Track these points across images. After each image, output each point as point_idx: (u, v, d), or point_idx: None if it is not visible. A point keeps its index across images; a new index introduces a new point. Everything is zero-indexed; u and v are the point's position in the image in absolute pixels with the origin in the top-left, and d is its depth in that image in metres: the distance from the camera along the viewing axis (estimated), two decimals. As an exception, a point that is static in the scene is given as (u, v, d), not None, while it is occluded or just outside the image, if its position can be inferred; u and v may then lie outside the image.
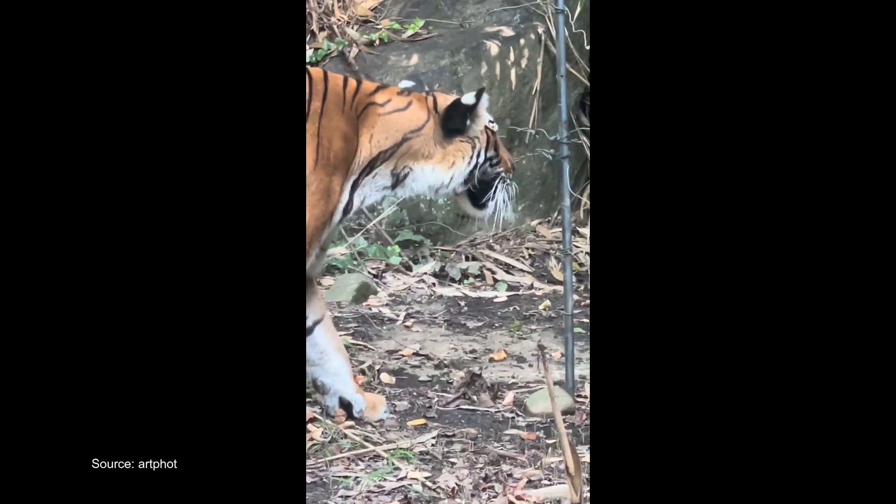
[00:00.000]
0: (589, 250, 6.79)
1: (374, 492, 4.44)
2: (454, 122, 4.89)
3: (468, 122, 4.91)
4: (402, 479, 4.52)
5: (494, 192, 5.00)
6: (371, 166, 4.84)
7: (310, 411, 4.95)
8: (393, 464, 4.60)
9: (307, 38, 7.39)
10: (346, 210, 4.84)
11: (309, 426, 4.86)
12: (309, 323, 4.91)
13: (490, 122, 5.00)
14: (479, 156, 4.93)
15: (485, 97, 4.95)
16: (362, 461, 4.62)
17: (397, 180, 4.90)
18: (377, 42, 7.29)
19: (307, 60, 7.19)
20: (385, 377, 5.41)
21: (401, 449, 4.71)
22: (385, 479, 4.52)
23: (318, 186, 4.68)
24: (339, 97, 4.78)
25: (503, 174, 5.02)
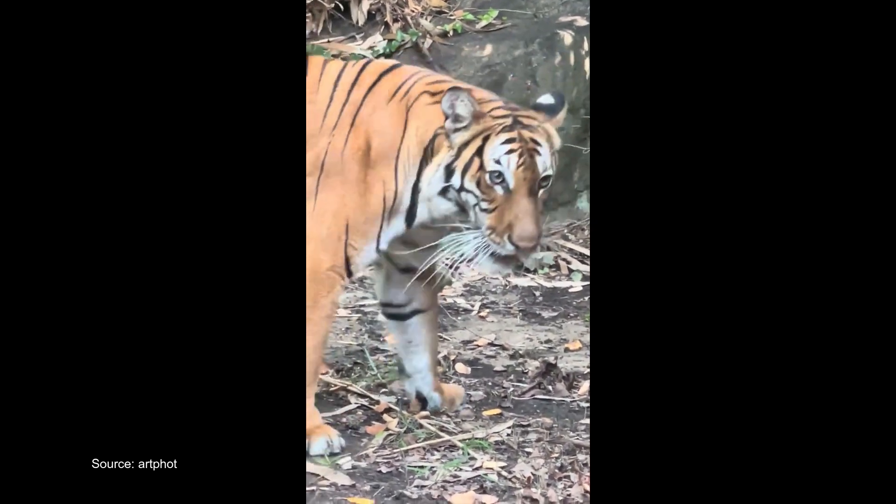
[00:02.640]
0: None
1: (449, 481, 4.45)
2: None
3: (445, 121, 4.44)
4: (477, 468, 4.53)
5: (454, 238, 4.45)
6: (425, 158, 4.49)
7: (385, 401, 4.97)
8: (468, 453, 4.61)
9: (381, 30, 7.41)
10: (405, 200, 4.51)
11: (385, 416, 4.88)
12: (408, 310, 4.89)
13: (496, 163, 4.35)
14: (446, 165, 4.42)
15: (459, 102, 4.39)
16: (438, 451, 4.63)
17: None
18: (451, 33, 7.29)
19: (381, 52, 7.21)
20: (460, 367, 5.41)
21: (476, 439, 4.71)
22: (460, 469, 4.52)
23: (348, 178, 4.51)
24: (390, 89, 4.59)
25: (485, 232, 4.38)
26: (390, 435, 4.71)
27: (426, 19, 7.38)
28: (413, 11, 7.39)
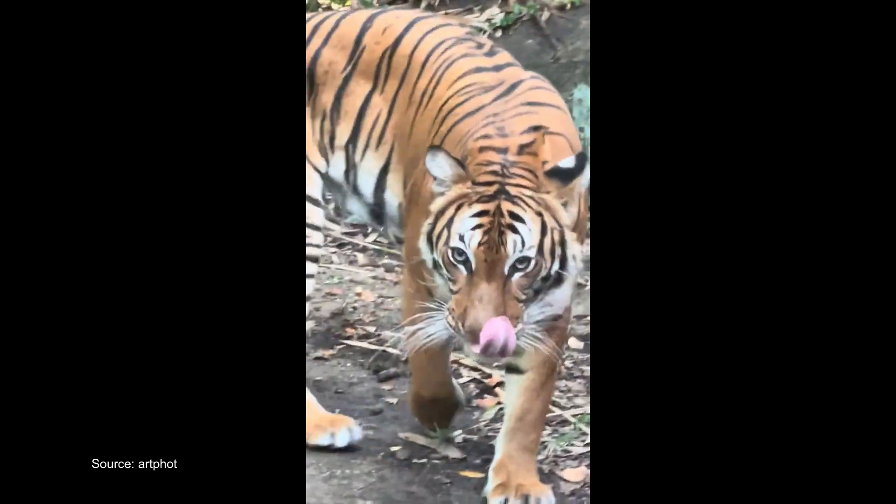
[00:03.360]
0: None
1: (560, 457, 4.46)
2: None
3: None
4: (588, 444, 4.53)
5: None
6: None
7: (497, 375, 4.99)
8: (580, 429, 4.62)
9: (498, 2, 7.41)
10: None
11: (497, 389, 4.90)
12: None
13: (459, 239, 3.76)
14: (426, 234, 3.88)
15: (434, 163, 3.82)
16: (549, 426, 4.64)
17: None
18: (568, 6, 7.26)
19: (499, 24, 7.22)
20: (573, 342, 5.41)
21: (588, 414, 4.71)
22: (572, 444, 4.53)
23: (419, 213, 4.08)
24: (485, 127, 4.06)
25: (445, 314, 3.81)
26: (502, 409, 4.73)
27: (544, -8, 7.36)
28: (531, -16, 7.38)
